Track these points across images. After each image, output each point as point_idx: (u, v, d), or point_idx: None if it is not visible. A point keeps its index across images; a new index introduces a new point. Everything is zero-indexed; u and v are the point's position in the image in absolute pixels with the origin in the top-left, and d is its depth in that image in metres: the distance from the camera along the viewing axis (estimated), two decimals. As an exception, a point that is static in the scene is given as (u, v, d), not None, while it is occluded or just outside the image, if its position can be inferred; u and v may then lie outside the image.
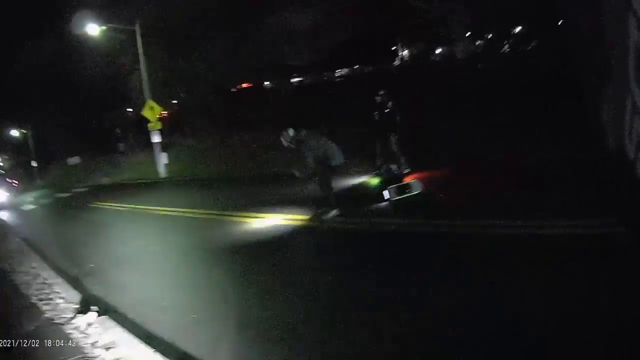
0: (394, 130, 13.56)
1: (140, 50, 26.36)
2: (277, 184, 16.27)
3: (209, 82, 37.34)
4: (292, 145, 11.68)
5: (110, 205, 20.89)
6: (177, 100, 43.02)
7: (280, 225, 10.09)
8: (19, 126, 60.57)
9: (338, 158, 11.29)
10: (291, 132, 11.35)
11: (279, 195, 14.03)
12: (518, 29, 41.61)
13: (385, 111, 13.44)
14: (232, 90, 43.30)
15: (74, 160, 44.76)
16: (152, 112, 25.38)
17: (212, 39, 35.86)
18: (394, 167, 13.04)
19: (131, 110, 47.37)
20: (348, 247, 8.32)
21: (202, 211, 13.76)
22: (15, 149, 74.86)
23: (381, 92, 13.50)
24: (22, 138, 62.68)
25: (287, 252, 8.54)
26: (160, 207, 17.12)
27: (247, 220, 11.16)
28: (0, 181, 33.74)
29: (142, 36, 26.86)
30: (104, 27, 27.63)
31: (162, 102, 26.23)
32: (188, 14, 34.28)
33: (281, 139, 11.34)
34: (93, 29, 27.20)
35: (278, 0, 35.20)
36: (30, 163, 62.95)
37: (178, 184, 24.24)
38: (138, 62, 28.77)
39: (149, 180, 28.23)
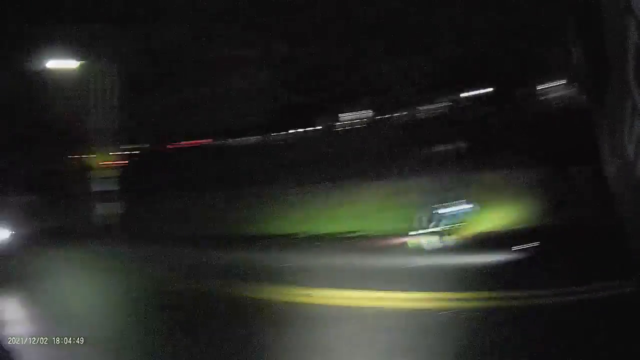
0: None
1: (101, 92, 26.16)
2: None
3: (160, 133, 37.42)
4: None
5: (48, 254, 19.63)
6: (128, 150, 42.98)
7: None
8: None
9: None
10: None
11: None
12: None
13: None
14: (178, 144, 43.44)
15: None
16: (105, 159, 25.36)
17: (167, 88, 36.22)
18: None
19: (89, 155, 47.03)
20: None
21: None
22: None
23: None
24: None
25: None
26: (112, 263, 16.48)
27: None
28: None
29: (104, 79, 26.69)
30: (61, 63, 26.95)
31: (115, 149, 26.17)
32: (149, 60, 34.65)
33: None
34: (53, 64, 26.64)
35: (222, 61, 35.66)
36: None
37: (124, 237, 22.93)
38: (98, 104, 28.40)
39: (96, 229, 26.47)
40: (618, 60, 1.65)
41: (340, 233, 14.19)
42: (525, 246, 10.78)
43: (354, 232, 13.86)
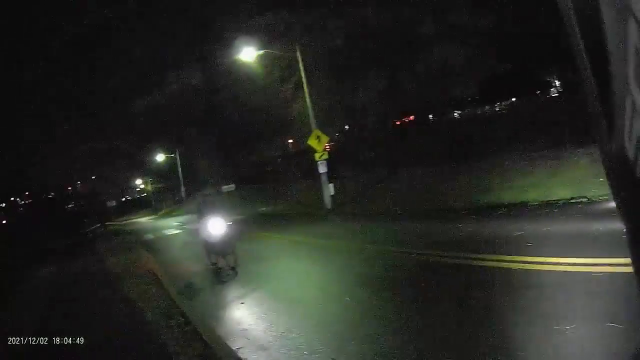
0: None
1: (304, 78, 26.89)
2: (463, 219, 15.66)
3: (372, 113, 38.09)
4: None
5: (269, 236, 22.37)
6: (339, 132, 44.05)
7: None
8: (167, 151, 62.88)
9: None
10: None
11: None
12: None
13: None
14: (396, 122, 43.90)
15: (229, 187, 45.42)
16: (319, 141, 25.81)
17: (371, 70, 36.84)
18: None
19: (291, 140, 48.89)
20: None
21: (424, 251, 12.38)
22: (162, 175, 78.39)
23: None
24: (168, 164, 65.39)
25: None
26: (335, 240, 17.47)
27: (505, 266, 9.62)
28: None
29: (303, 64, 27.23)
30: (260, 52, 27.78)
31: (324, 132, 26.65)
32: (348, 44, 35.59)
33: None
34: (249, 54, 27.50)
35: (431, 36, 35.93)
36: (178, 189, 65.68)
37: (348, 216, 23.96)
38: (298, 90, 29.28)
39: (313, 212, 29.41)
40: (618, 60, 1.60)
41: (566, 199, 14.03)
42: None
43: (579, 197, 13.68)
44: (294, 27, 36.89)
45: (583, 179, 14.92)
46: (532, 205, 14.90)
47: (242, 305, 11.09)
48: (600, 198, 12.89)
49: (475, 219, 15.32)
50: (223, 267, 15.10)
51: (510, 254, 9.83)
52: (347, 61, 36.61)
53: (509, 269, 8.96)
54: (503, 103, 52.19)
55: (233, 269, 14.75)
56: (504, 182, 19.24)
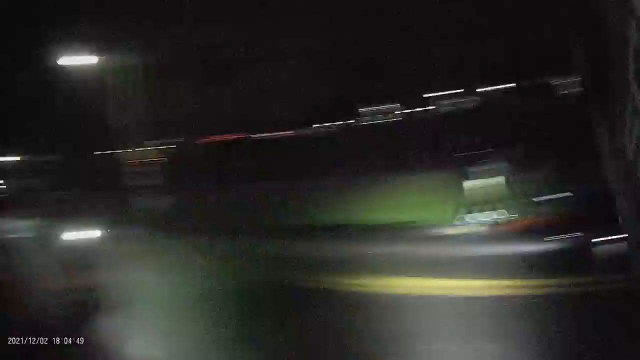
0: None
1: (116, 87, 25.94)
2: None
3: (185, 130, 37.45)
4: None
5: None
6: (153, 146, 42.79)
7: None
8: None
9: None
10: None
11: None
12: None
13: None
14: (214, 140, 43.32)
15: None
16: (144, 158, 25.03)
17: (187, 85, 36.34)
18: None
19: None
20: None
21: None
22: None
23: None
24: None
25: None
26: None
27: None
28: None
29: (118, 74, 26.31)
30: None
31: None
32: (160, 58, 34.76)
33: None
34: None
35: (253, 55, 35.98)
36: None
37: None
38: (120, 99, 28.18)
39: None
40: (618, 60, 1.61)
41: (393, 223, 14.35)
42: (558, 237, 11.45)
43: (407, 222, 14.03)
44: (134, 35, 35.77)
45: (412, 204, 15.36)
46: (358, 226, 15.08)
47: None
48: (426, 223, 13.28)
49: (300, 238, 15.22)
50: None
51: (342, 274, 9.86)
52: (161, 76, 35.84)
53: (344, 290, 8.97)
54: (323, 126, 52.99)
55: None
56: (329, 203, 19.34)
